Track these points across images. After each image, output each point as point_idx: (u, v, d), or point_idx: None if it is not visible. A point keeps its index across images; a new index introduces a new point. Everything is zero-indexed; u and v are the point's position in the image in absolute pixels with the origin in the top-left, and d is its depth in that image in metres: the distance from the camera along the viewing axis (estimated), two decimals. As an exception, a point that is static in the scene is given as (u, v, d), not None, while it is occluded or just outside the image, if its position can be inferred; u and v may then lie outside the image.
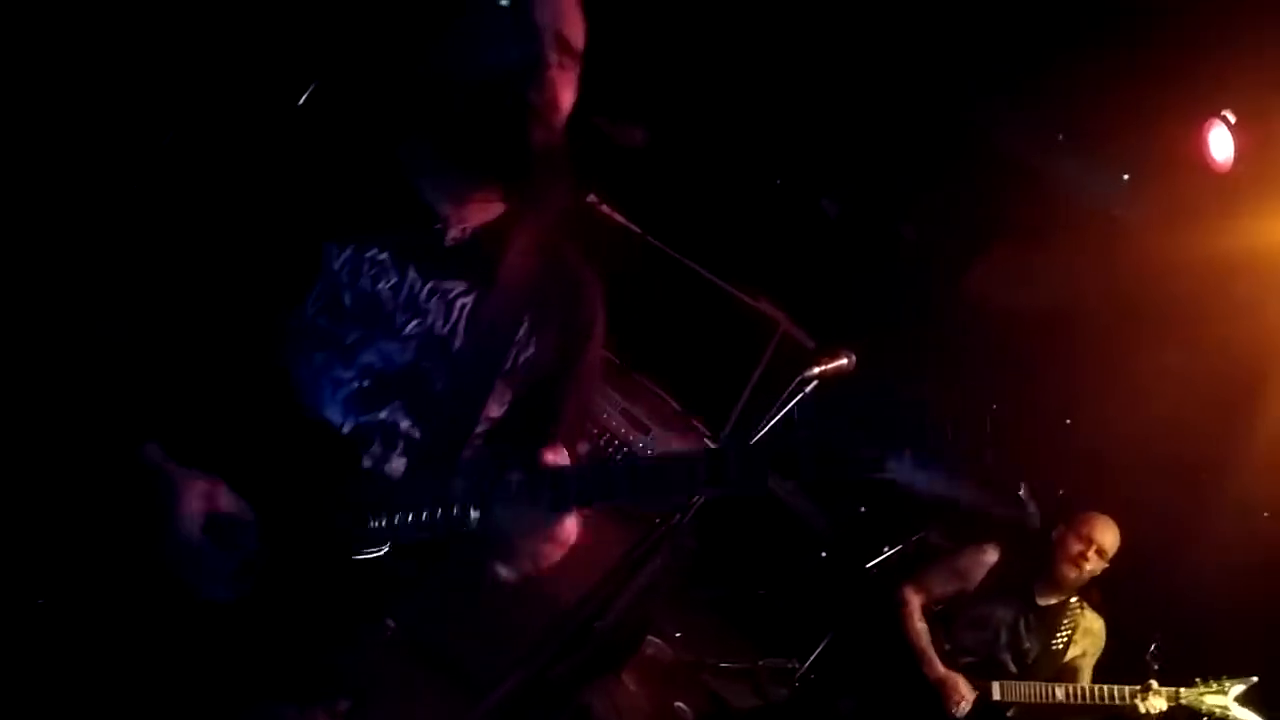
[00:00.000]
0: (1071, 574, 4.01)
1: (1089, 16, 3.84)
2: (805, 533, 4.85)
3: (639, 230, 3.87)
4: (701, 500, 2.16)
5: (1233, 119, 4.02)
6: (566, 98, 1.59)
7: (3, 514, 1.43)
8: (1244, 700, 3.71)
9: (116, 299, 1.47)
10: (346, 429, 1.52)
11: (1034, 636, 4.04)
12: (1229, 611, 4.50)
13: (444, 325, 1.57)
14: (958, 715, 3.93)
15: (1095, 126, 4.27)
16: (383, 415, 1.54)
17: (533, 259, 1.63)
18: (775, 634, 4.91)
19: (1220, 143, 4.05)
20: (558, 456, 1.50)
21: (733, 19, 4.40)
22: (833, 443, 1.39)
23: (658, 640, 4.51)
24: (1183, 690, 3.76)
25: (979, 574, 4.12)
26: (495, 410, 1.62)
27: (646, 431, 3.60)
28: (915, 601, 4.13)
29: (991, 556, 4.13)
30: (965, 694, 3.93)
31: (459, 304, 1.58)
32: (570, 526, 1.50)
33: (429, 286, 1.56)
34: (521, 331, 1.63)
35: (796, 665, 4.69)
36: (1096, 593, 4.10)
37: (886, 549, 4.55)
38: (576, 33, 1.60)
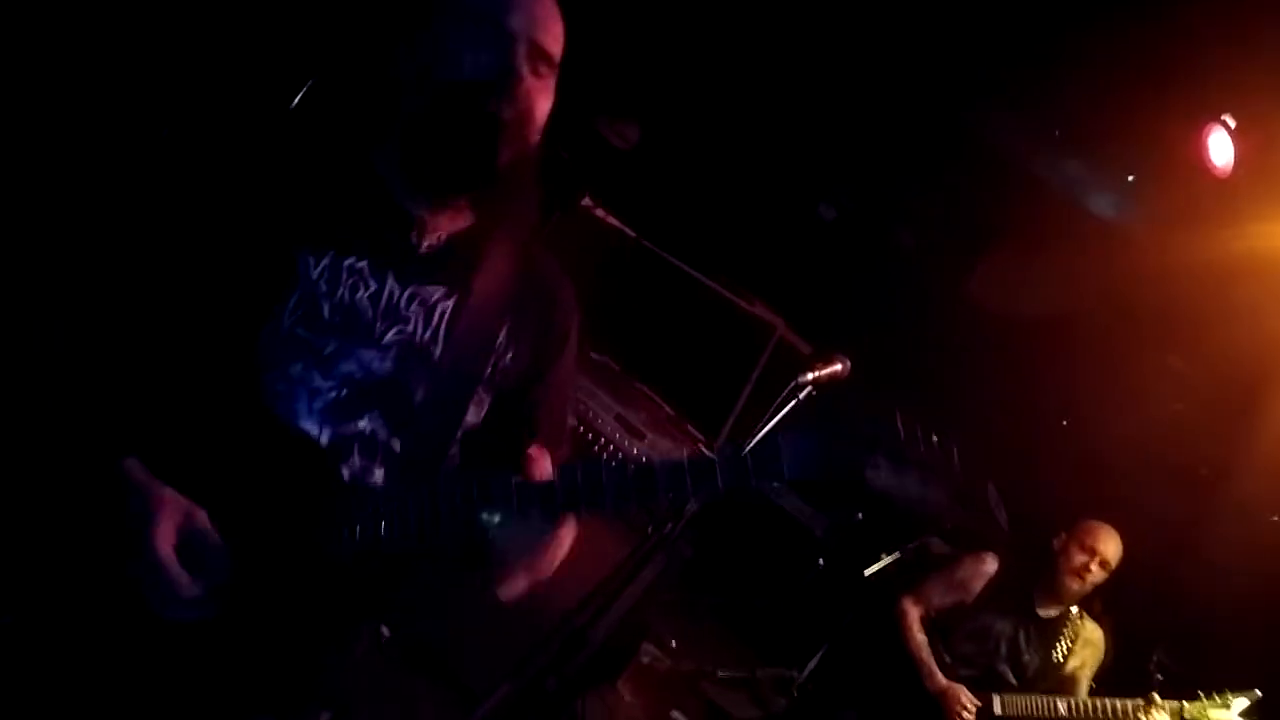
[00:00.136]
0: (1074, 585, 3.97)
1: (1087, 20, 3.82)
2: (803, 540, 4.82)
3: (634, 234, 3.85)
4: (695, 509, 2.14)
5: (1233, 123, 4.00)
6: (541, 108, 1.55)
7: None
8: (1248, 715, 3.66)
9: (92, 310, 1.45)
10: (324, 440, 1.49)
11: (1034, 648, 3.99)
12: (1232, 621, 4.46)
13: (424, 332, 1.55)
14: None
15: (1094, 131, 4.25)
16: (361, 425, 1.51)
17: (509, 265, 1.61)
18: (773, 642, 4.88)
19: (1220, 147, 4.03)
20: (543, 460, 1.48)
21: (729, 21, 4.38)
22: (812, 445, 1.43)
23: (654, 649, 4.48)
24: (1186, 704, 3.71)
25: (978, 585, 4.08)
26: (473, 417, 1.60)
27: (641, 437, 3.59)
28: (914, 613, 4.09)
29: (991, 567, 4.10)
30: (967, 706, 3.89)
31: (439, 309, 1.56)
32: (565, 533, 1.47)
33: (408, 293, 1.54)
34: (501, 338, 1.61)
35: (795, 675, 4.66)
36: (1098, 602, 4.06)
37: (885, 556, 4.52)
38: (553, 39, 1.55)
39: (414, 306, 1.54)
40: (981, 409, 4.80)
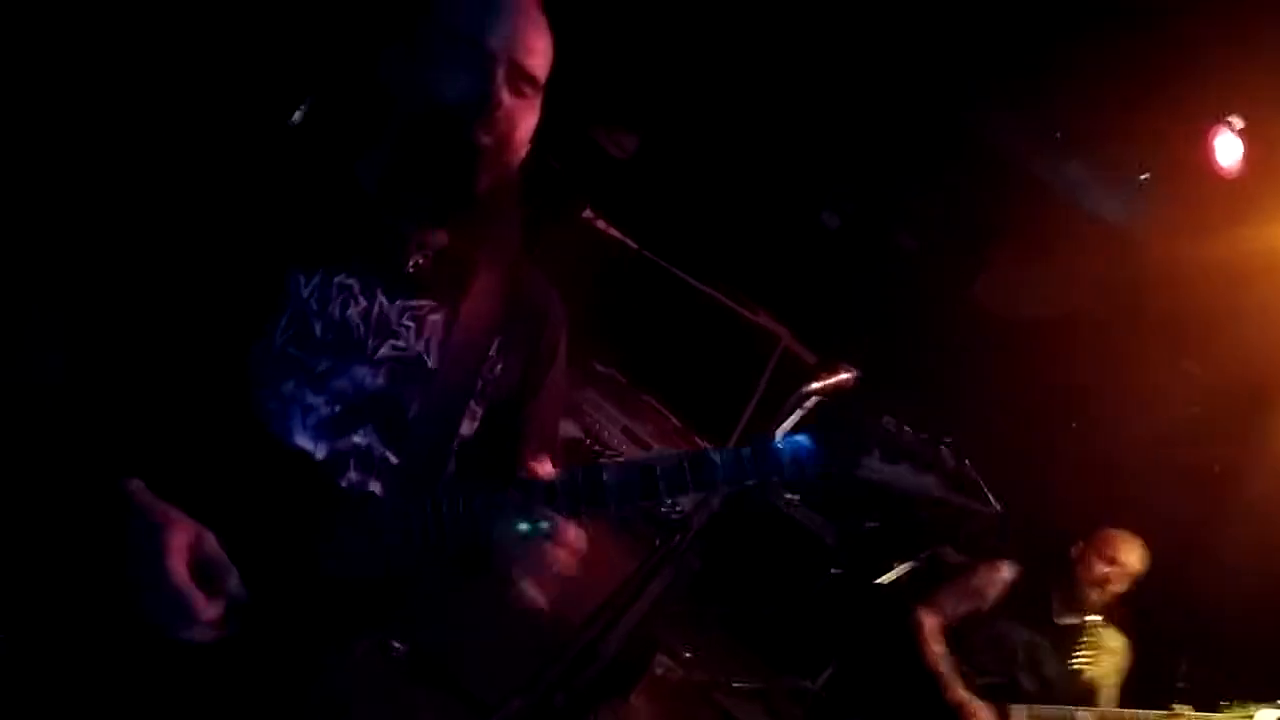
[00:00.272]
0: (1095, 595, 3.92)
1: (1090, 21, 3.81)
2: (815, 549, 4.79)
3: (636, 245, 3.85)
4: (703, 521, 2.15)
5: (1239, 124, 3.98)
6: (523, 129, 1.54)
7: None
8: None
9: (87, 333, 1.44)
10: (320, 455, 1.49)
11: (1053, 656, 3.94)
12: (1248, 623, 4.41)
13: (415, 347, 1.55)
14: None
15: (1100, 133, 4.23)
16: (356, 439, 1.51)
17: (497, 280, 1.61)
18: (787, 653, 4.84)
19: (1227, 148, 4.01)
20: (542, 465, 1.50)
21: (728, 28, 4.38)
22: (807, 442, 1.50)
23: (667, 660, 4.46)
24: (1211, 716, 3.66)
25: (994, 592, 4.04)
26: (467, 430, 1.60)
27: (648, 449, 3.58)
28: (931, 623, 4.04)
29: (1006, 574, 4.05)
30: (986, 718, 3.84)
31: (429, 324, 1.56)
32: (573, 536, 1.47)
33: (398, 309, 1.54)
34: (491, 351, 1.61)
35: (810, 685, 4.63)
36: (1120, 610, 4.00)
37: (897, 565, 4.48)
38: (536, 57, 1.53)
39: (404, 322, 1.54)
40: (990, 413, 4.77)
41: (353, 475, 1.51)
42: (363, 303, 1.51)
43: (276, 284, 1.47)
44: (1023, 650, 3.95)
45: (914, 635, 4.02)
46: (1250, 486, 4.68)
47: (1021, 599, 4.03)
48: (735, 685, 4.58)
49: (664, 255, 3.93)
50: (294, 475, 1.46)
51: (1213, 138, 4.01)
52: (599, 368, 3.61)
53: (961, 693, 3.89)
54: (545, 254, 3.18)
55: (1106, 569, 3.90)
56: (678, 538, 2.52)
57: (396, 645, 2.92)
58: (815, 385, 2.50)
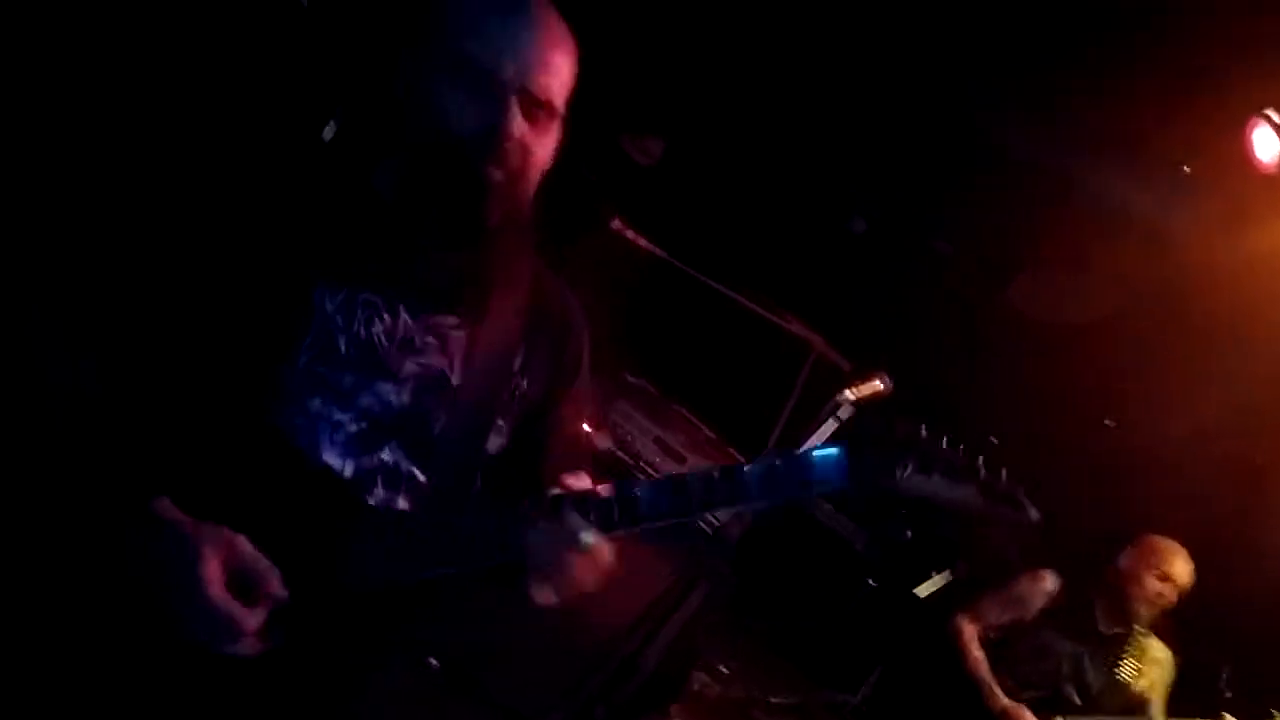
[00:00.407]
0: (1145, 610, 3.84)
1: (1120, 20, 3.76)
2: (851, 560, 4.74)
3: (665, 255, 3.83)
4: (739, 534, 2.12)
5: (1277, 118, 3.91)
6: (540, 156, 1.51)
7: (9, 573, 1.39)
8: None
9: (113, 352, 1.44)
10: (348, 473, 1.48)
11: (1097, 667, 3.86)
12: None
13: (440, 363, 1.53)
14: None
15: (1134, 131, 4.17)
16: (384, 456, 1.51)
17: (519, 293, 1.59)
18: (826, 666, 4.79)
19: (1266, 142, 3.94)
20: (576, 481, 1.49)
21: (756, 34, 4.36)
22: (841, 454, 1.47)
23: (705, 675, 4.42)
24: None
25: (1037, 602, 3.97)
26: (493, 445, 1.60)
27: (681, 460, 3.56)
28: (971, 631, 3.98)
29: (1049, 584, 3.99)
30: None
31: (453, 339, 1.54)
32: (606, 550, 1.45)
33: (421, 324, 1.52)
34: (515, 365, 1.60)
35: (850, 699, 4.57)
36: (1166, 621, 3.92)
37: (935, 575, 4.43)
38: (554, 82, 1.48)
39: (428, 338, 1.52)
40: (1027, 417, 4.70)
41: (380, 492, 1.50)
42: (386, 319, 1.50)
43: (302, 301, 1.46)
44: (1067, 662, 3.87)
45: (954, 642, 3.96)
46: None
47: (1064, 608, 3.95)
48: (773, 701, 4.54)
49: (693, 264, 3.90)
50: (321, 492, 1.45)
51: (1250, 132, 3.94)
52: (630, 379, 3.60)
53: (1004, 700, 3.82)
54: (575, 265, 3.18)
55: (1159, 586, 3.81)
56: (714, 551, 2.50)
57: (431, 660, 2.92)
58: (849, 394, 2.49)
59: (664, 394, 3.66)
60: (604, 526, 1.43)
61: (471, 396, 1.55)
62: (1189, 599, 3.95)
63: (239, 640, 1.34)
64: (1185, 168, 4.14)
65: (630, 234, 3.69)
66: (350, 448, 1.48)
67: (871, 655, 4.63)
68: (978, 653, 3.93)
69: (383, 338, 1.50)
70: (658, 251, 3.80)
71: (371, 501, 1.49)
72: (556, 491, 1.47)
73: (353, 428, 1.48)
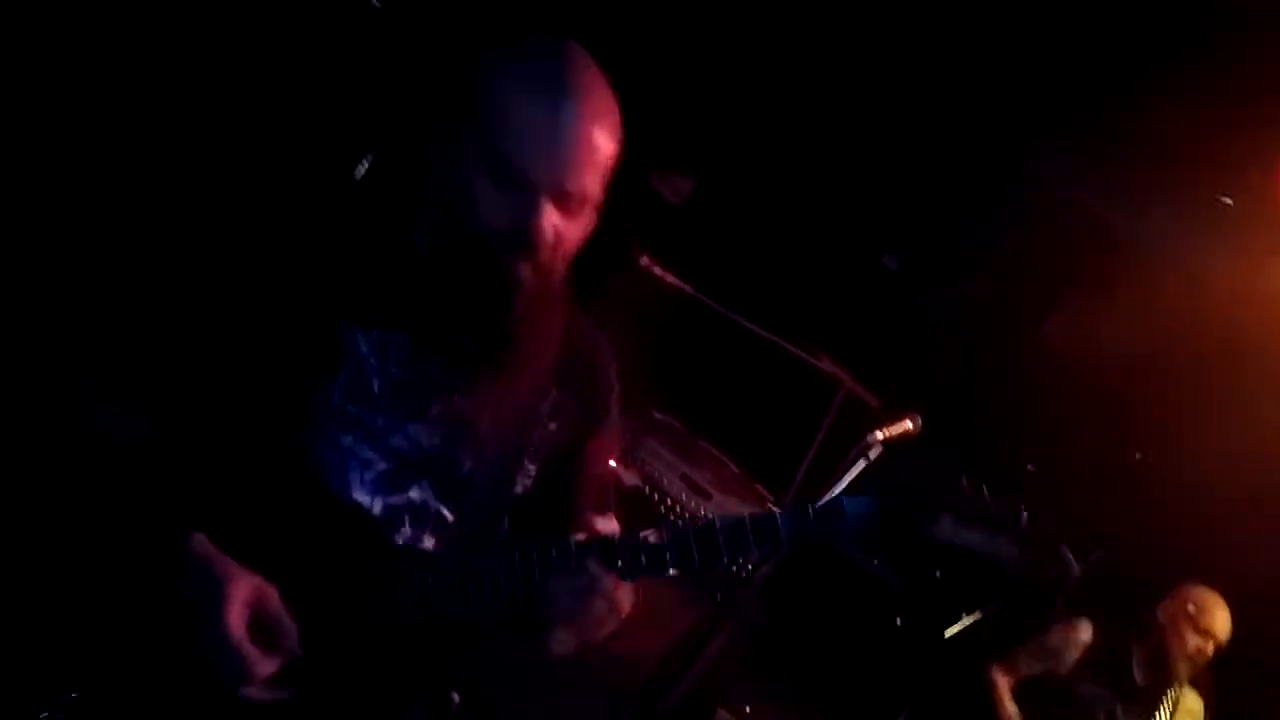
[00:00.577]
0: (1183, 666, 3.76)
1: (1155, 56, 3.75)
2: (879, 599, 4.68)
3: (693, 290, 3.83)
4: (767, 572, 2.10)
5: (1314, 155, 3.87)
6: (571, 243, 1.49)
7: (43, 603, 1.40)
8: None
9: (148, 389, 1.46)
10: (376, 510, 1.49)
11: (1132, 719, 3.78)
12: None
13: (471, 405, 1.54)
14: None
15: (1169, 169, 4.14)
16: (412, 495, 1.52)
17: (551, 337, 1.59)
18: (852, 707, 4.72)
19: (1302, 180, 3.90)
20: (600, 523, 1.50)
21: (787, 70, 4.38)
22: (875, 505, 1.44)
23: (729, 715, 4.37)
24: None
25: (1072, 653, 3.89)
26: (520, 487, 1.60)
27: (708, 497, 3.53)
28: (1004, 682, 3.91)
29: (1084, 633, 3.91)
30: None
31: (484, 382, 1.55)
32: (626, 595, 1.45)
33: (453, 366, 1.53)
34: (544, 409, 1.61)
35: (876, 740, 4.49)
36: (1204, 673, 3.84)
37: (965, 617, 4.35)
38: (590, 176, 1.45)
39: (458, 381, 1.53)
40: (1060, 455, 4.64)
41: (407, 530, 1.51)
42: (418, 361, 1.51)
43: (337, 341, 1.48)
44: (1101, 713, 3.79)
45: (987, 694, 3.88)
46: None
47: (1100, 660, 3.88)
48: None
49: (721, 300, 3.90)
50: (350, 529, 1.47)
51: (1286, 170, 3.90)
52: (657, 415, 3.59)
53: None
54: (603, 301, 3.18)
55: (1199, 641, 3.73)
56: (741, 590, 2.47)
57: (454, 697, 2.91)
58: (880, 434, 2.45)
59: (691, 430, 3.64)
60: (630, 573, 1.43)
61: (500, 439, 1.55)
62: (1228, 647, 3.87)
63: (248, 684, 1.35)
64: (1226, 199, 4.10)
65: (659, 270, 3.69)
66: (379, 485, 1.49)
67: (899, 696, 4.56)
68: (1011, 706, 3.85)
69: (414, 379, 1.51)
70: (686, 288, 3.80)
71: (399, 540, 1.50)
72: (582, 537, 1.46)
73: (382, 466, 1.49)
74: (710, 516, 1.48)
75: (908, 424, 2.45)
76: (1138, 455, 4.83)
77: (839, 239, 4.94)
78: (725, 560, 1.45)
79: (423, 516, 1.52)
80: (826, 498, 2.29)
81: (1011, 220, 4.70)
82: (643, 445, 3.53)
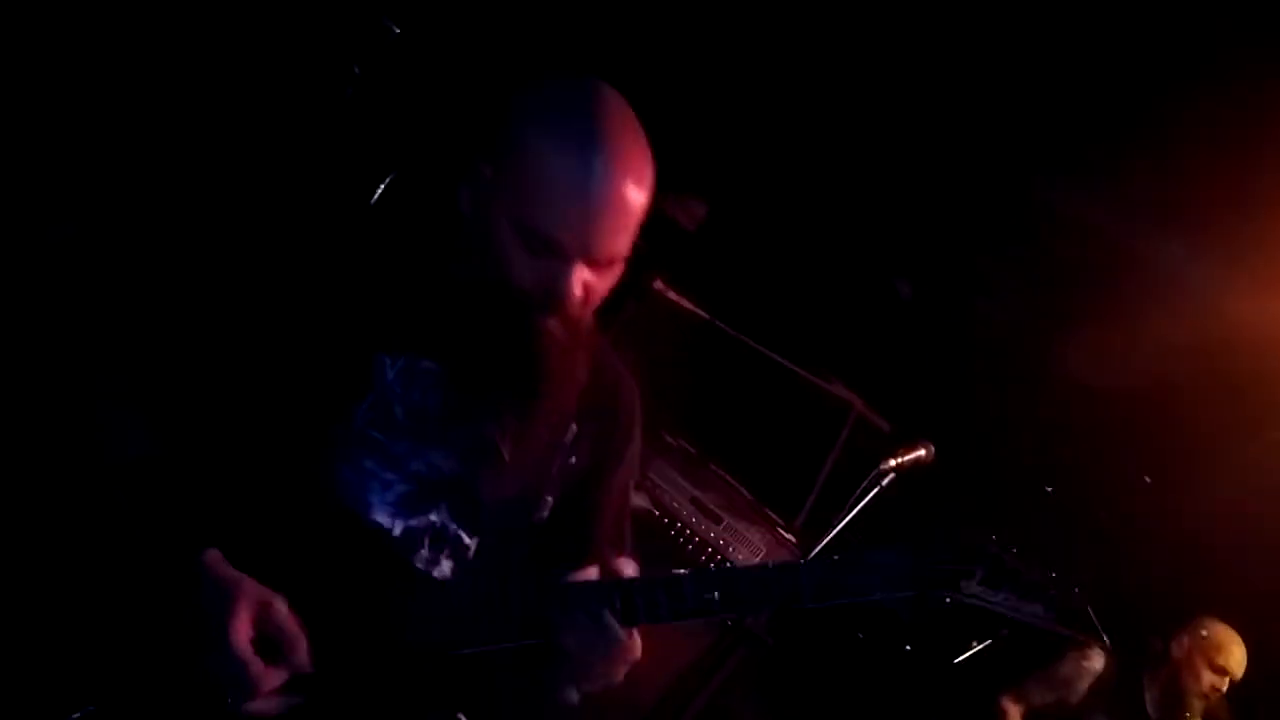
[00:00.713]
0: (1198, 702, 3.73)
1: (1176, 85, 3.75)
2: (888, 625, 4.65)
3: (706, 315, 3.84)
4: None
5: (1330, 185, 3.85)
6: (600, 294, 1.49)
7: (58, 615, 1.41)
8: None
9: (170, 405, 1.47)
10: (396, 531, 1.50)
11: None
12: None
13: (494, 432, 1.55)
14: None
15: (1185, 198, 4.13)
16: (431, 518, 1.52)
17: (577, 369, 1.60)
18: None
19: (1318, 210, 3.88)
20: (625, 564, 1.47)
21: (801, 96, 4.40)
22: (906, 564, 1.41)
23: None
24: None
25: (1084, 683, 3.86)
26: (539, 516, 1.61)
27: (718, 521, 3.52)
28: (1015, 712, 3.88)
29: (1097, 663, 3.88)
30: None
31: (508, 410, 1.55)
32: (637, 642, 1.45)
33: (477, 394, 1.53)
34: (566, 440, 1.61)
35: (885, 766, 4.46)
36: (1222, 705, 3.80)
37: (975, 644, 4.32)
38: (620, 240, 1.44)
39: (482, 409, 1.53)
40: (1072, 483, 4.62)
41: (425, 553, 1.52)
42: (445, 389, 1.52)
43: (362, 367, 1.49)
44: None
45: None
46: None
47: (1113, 691, 3.84)
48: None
49: (733, 324, 3.90)
50: (369, 551, 1.47)
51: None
52: (668, 439, 3.58)
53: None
54: (616, 324, 3.19)
55: (1214, 679, 3.70)
56: (751, 618, 2.45)
57: (460, 716, 2.90)
58: (893, 462, 2.45)
59: (701, 454, 3.63)
60: (650, 619, 1.42)
61: (521, 468, 1.56)
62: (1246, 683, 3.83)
63: (252, 696, 1.35)
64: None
65: (672, 295, 3.70)
66: (399, 508, 1.50)
67: (906, 721, 4.53)
68: None
69: (439, 406, 1.51)
70: (699, 312, 3.80)
71: (417, 562, 1.51)
72: (596, 574, 1.45)
73: (402, 488, 1.51)
74: (733, 566, 1.47)
75: (921, 451, 2.45)
76: (1146, 479, 4.81)
77: (852, 264, 4.94)
78: (746, 609, 1.43)
79: (441, 540, 1.52)
80: (842, 524, 2.28)
81: (1027, 247, 4.70)
82: (653, 468, 3.53)
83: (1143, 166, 4.16)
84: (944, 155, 4.46)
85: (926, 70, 4.23)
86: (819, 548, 2.34)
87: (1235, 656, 3.74)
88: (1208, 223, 4.22)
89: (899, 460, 2.37)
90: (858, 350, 4.53)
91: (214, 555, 1.38)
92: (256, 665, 1.33)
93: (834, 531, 2.34)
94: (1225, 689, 3.75)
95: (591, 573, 1.46)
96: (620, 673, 1.46)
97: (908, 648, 4.66)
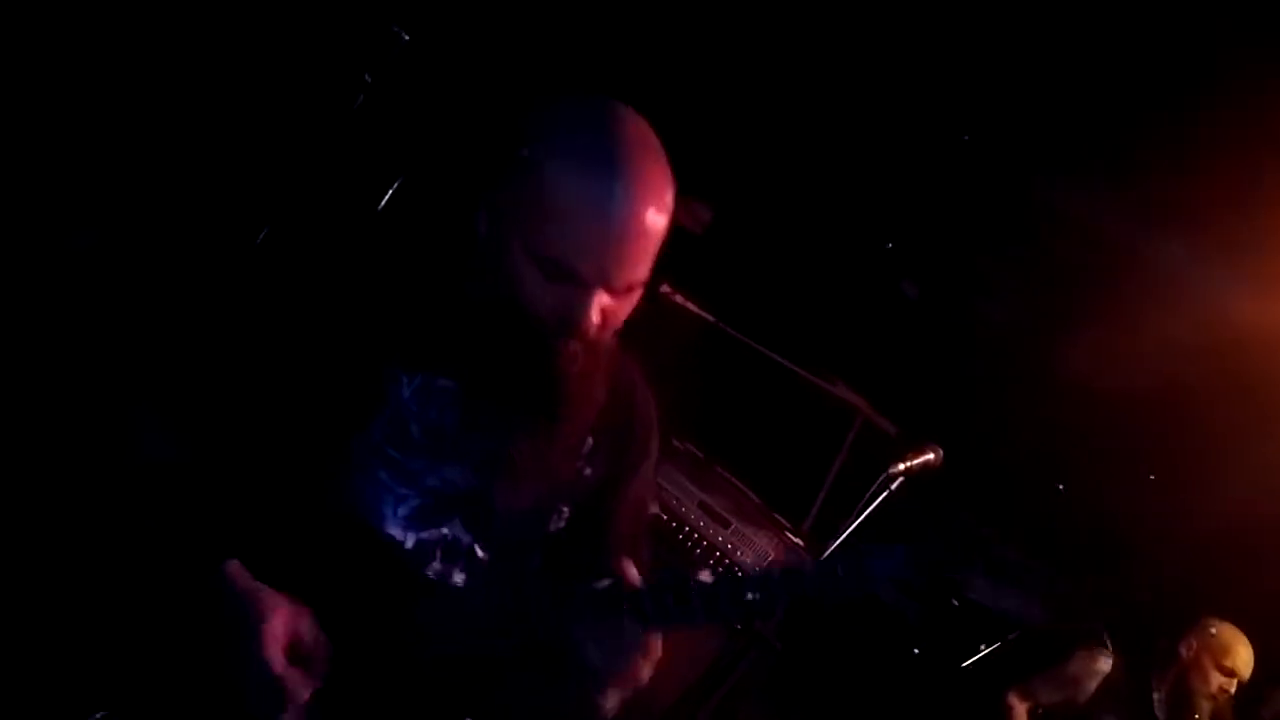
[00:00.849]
0: (1206, 704, 3.72)
1: (1179, 85, 3.75)
2: (896, 628, 4.65)
3: (713, 318, 3.84)
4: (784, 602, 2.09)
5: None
6: (620, 318, 1.48)
7: (77, 621, 1.42)
8: None
9: (189, 419, 1.48)
10: (409, 544, 1.51)
11: None
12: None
13: (509, 445, 1.55)
14: None
15: (1189, 199, 4.13)
16: (444, 530, 1.53)
17: (596, 383, 1.59)
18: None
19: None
20: (631, 570, 1.47)
21: (807, 98, 4.40)
22: (909, 564, 1.41)
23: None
24: None
25: (1091, 683, 3.86)
26: (553, 527, 1.61)
27: (726, 525, 3.52)
28: (1021, 709, 3.88)
29: (1105, 664, 3.87)
30: None
31: (524, 424, 1.56)
32: (654, 643, 1.44)
33: (494, 410, 1.54)
34: (583, 453, 1.61)
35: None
36: (1230, 706, 3.80)
37: (984, 647, 4.32)
38: (640, 269, 1.42)
39: (499, 423, 1.54)
40: (1079, 483, 4.62)
41: (438, 565, 1.52)
42: (462, 406, 1.52)
43: (379, 385, 1.49)
44: (1120, 745, 3.76)
45: None
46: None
47: (1121, 691, 3.84)
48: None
49: (740, 327, 3.90)
50: (382, 563, 1.48)
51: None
52: (675, 442, 3.58)
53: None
54: (623, 330, 3.18)
55: (1223, 680, 3.69)
56: (760, 622, 2.46)
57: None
58: (901, 466, 2.46)
59: (708, 457, 3.64)
60: (659, 622, 1.42)
61: (536, 480, 1.56)
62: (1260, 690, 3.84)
63: (285, 709, 1.35)
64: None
65: (679, 298, 3.70)
66: (413, 520, 1.51)
67: (916, 726, 4.52)
68: None
69: (455, 424, 1.52)
70: (705, 315, 3.81)
71: (429, 574, 1.51)
72: (609, 583, 1.44)
73: (416, 501, 1.51)
74: (741, 569, 1.48)
75: (929, 455, 2.46)
76: (1151, 477, 4.81)
77: (858, 266, 4.94)
78: (755, 613, 1.43)
79: (454, 552, 1.53)
80: (851, 528, 2.29)
81: (1029, 248, 4.70)
82: (660, 472, 3.52)
83: (1144, 166, 4.17)
84: (951, 158, 4.46)
85: (935, 76, 4.24)
86: (828, 551, 2.35)
87: (1242, 658, 3.74)
88: (1209, 222, 4.22)
89: (908, 464, 2.38)
90: (863, 353, 4.53)
91: (236, 566, 1.38)
92: (294, 678, 1.34)
93: (843, 535, 2.35)
94: (1234, 690, 3.74)
95: (604, 583, 1.45)
96: (646, 673, 1.45)
97: (915, 651, 4.66)
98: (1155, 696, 3.83)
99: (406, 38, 2.66)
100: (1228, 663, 3.72)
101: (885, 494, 2.34)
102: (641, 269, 1.42)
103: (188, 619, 1.38)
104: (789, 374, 3.89)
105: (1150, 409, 4.60)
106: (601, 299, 1.40)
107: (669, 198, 1.44)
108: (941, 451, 2.48)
